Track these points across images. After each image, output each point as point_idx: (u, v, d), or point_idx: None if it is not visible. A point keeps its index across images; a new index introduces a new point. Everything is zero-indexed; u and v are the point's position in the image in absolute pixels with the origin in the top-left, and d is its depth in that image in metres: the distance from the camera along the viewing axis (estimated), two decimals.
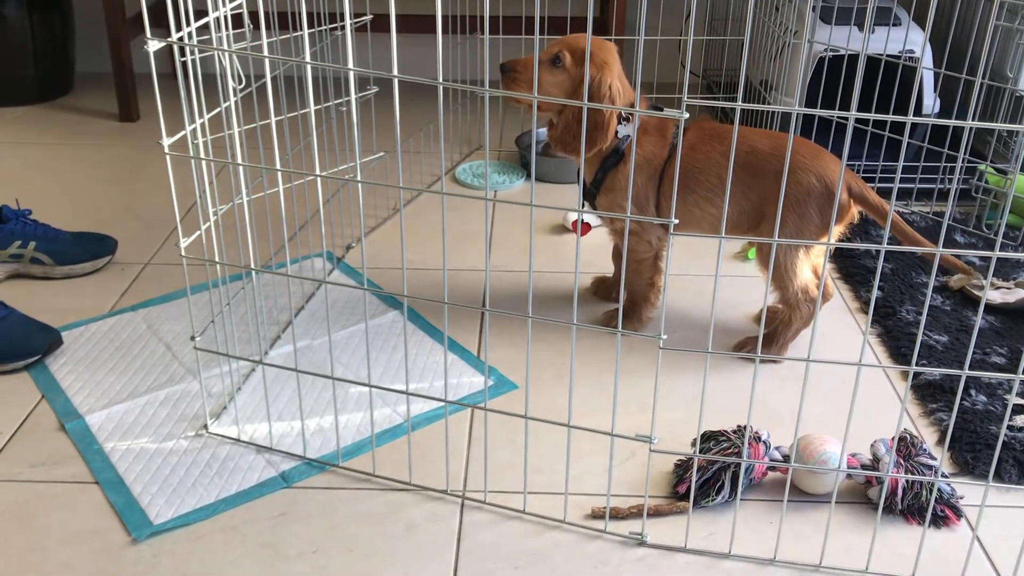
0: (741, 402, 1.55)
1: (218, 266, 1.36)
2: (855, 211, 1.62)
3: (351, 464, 1.40)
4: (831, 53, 2.27)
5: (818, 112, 1.05)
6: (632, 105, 1.63)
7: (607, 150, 1.64)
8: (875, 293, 1.11)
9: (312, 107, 1.26)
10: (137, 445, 1.43)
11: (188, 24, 1.23)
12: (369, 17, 1.88)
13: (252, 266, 1.39)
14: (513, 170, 2.45)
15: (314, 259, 1.97)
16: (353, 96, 1.22)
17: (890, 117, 0.98)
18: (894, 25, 2.28)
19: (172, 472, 1.37)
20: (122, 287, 1.87)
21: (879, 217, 1.61)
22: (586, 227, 2.13)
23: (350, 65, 1.14)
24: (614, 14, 2.64)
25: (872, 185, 2.31)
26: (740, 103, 0.99)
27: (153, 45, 1.16)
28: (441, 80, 1.05)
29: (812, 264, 1.65)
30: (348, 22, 1.24)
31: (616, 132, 1.62)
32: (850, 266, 2.01)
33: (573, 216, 2.15)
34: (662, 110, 1.49)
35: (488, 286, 1.29)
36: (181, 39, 1.20)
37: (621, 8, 2.63)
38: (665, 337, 1.12)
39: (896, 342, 1.74)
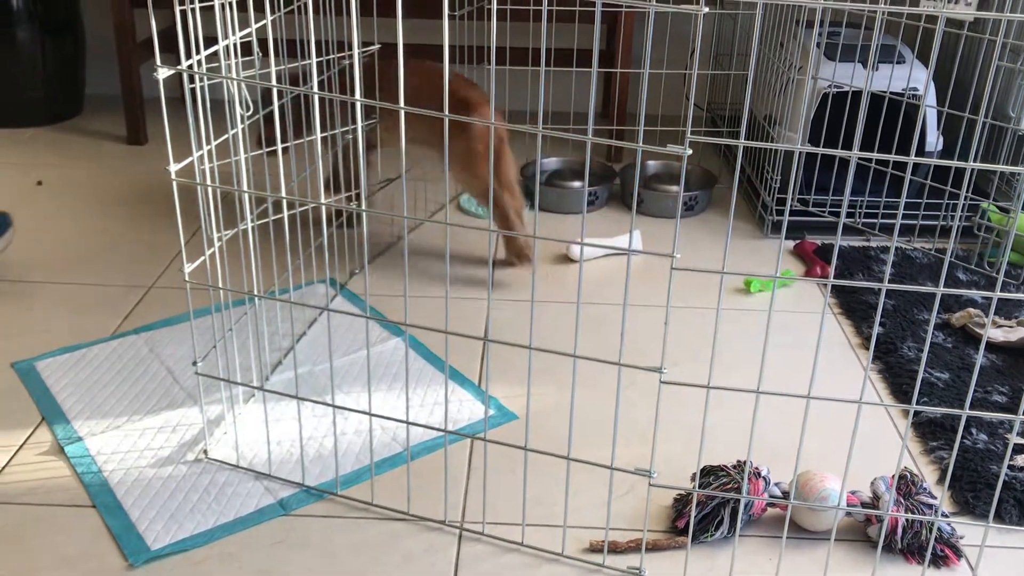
0: (741, 436, 1.54)
1: (221, 291, 1.37)
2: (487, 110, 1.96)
3: (349, 492, 1.40)
4: (835, 89, 2.28)
5: (821, 151, 1.06)
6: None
7: None
8: (876, 330, 1.11)
9: (319, 135, 1.27)
10: (136, 469, 1.42)
11: (198, 52, 1.24)
12: (377, 47, 1.90)
13: (255, 292, 1.39)
14: None
15: (317, 285, 1.97)
16: (360, 125, 1.23)
17: (892, 157, 0.98)
18: (898, 63, 2.30)
19: (171, 497, 1.37)
20: (125, 310, 1.87)
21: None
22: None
23: (358, 95, 1.15)
24: (620, 47, 2.66)
25: (875, 221, 2.33)
26: (743, 140, 1.00)
27: (163, 72, 1.17)
28: (447, 113, 1.06)
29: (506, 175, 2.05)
30: (356, 51, 1.25)
31: None
32: (852, 301, 2.01)
33: (577, 247, 2.16)
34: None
35: (490, 316, 1.30)
36: (191, 67, 1.21)
37: (627, 41, 2.66)
38: (666, 371, 1.12)
39: (897, 379, 1.74)
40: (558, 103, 2.93)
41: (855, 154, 1.01)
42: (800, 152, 1.04)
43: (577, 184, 2.48)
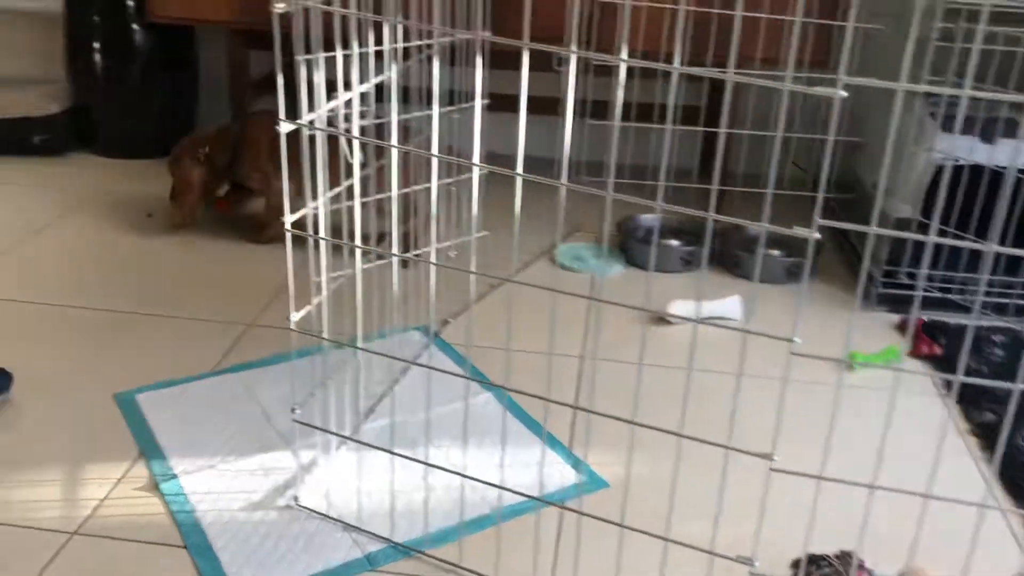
0: (845, 524, 1.47)
1: (325, 341, 1.37)
2: None
3: (437, 552, 1.38)
4: (951, 163, 2.21)
5: (959, 243, 1.01)
6: None
7: None
8: (1003, 442, 1.05)
9: (436, 185, 1.27)
10: (228, 512, 1.43)
11: (320, 105, 1.26)
12: (485, 102, 1.90)
13: (358, 343, 1.40)
14: (612, 254, 2.44)
15: (412, 332, 1.97)
16: (475, 184, 1.23)
17: None
18: (1021, 138, 2.22)
19: (260, 543, 1.37)
20: (224, 347, 1.90)
21: None
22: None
23: (476, 149, 1.15)
24: (723, 103, 2.62)
25: (986, 300, 2.24)
26: (874, 228, 0.96)
27: (286, 127, 1.19)
28: (565, 181, 1.05)
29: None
30: (478, 103, 1.25)
31: None
32: (961, 384, 1.92)
33: (675, 305, 2.12)
34: None
35: (583, 378, 1.27)
36: (311, 123, 1.23)
37: (732, 99, 2.62)
38: (778, 459, 1.08)
39: (1009, 471, 1.65)
40: (655, 156, 2.90)
41: (993, 248, 0.97)
42: (928, 241, 1.00)
43: (675, 243, 2.45)
